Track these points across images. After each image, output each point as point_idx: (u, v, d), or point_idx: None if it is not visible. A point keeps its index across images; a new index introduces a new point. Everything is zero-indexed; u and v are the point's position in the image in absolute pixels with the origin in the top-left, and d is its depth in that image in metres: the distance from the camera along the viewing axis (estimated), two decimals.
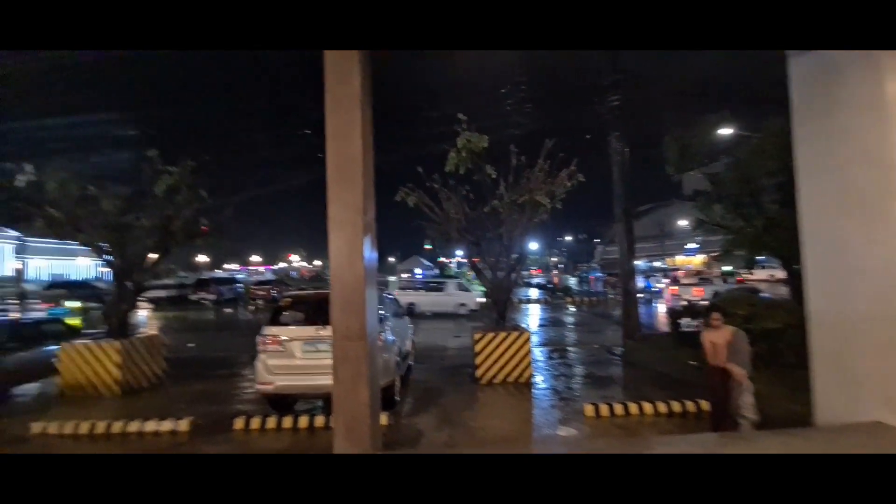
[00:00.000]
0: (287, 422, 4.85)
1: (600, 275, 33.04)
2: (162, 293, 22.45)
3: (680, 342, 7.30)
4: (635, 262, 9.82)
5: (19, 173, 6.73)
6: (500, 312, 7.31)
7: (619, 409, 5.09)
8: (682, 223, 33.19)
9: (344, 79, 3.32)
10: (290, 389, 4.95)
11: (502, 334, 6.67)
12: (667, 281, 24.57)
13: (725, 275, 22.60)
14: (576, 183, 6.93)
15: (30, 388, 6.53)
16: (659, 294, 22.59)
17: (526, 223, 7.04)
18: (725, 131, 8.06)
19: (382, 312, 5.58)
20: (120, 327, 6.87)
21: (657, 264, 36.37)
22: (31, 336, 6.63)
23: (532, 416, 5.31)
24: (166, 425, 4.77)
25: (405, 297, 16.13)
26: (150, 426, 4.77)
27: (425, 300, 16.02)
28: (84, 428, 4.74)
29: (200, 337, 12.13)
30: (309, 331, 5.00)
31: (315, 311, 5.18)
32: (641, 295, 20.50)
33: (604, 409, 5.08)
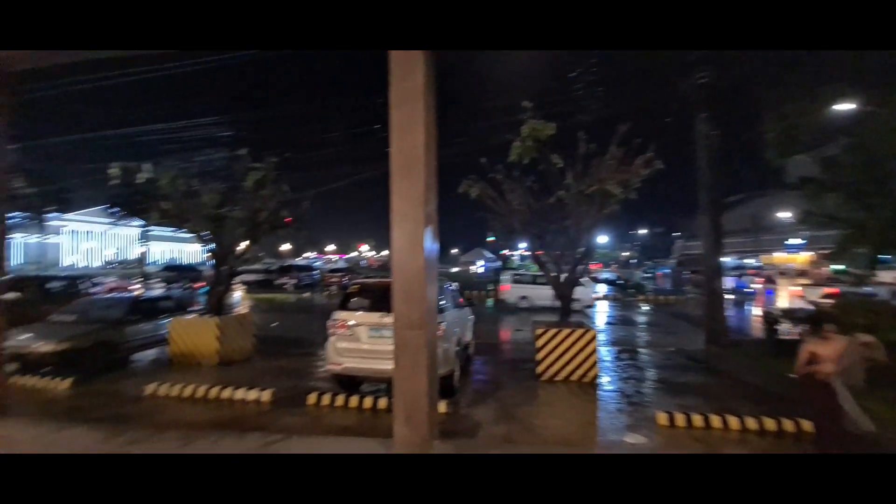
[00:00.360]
0: (353, 401, 5.14)
1: (668, 270, 30.21)
2: (251, 277, 25.13)
3: (777, 351, 6.41)
4: (723, 259, 8.78)
5: (139, 172, 7.84)
6: (563, 308, 7.02)
7: (698, 419, 4.63)
8: (783, 215, 28.99)
9: (407, 74, 3.36)
10: (356, 371, 5.23)
11: (566, 331, 6.40)
12: (762, 280, 21.70)
13: (838, 275, 19.29)
14: (653, 171, 6.35)
15: (146, 354, 7.70)
16: (753, 295, 19.98)
17: (595, 215, 6.64)
18: (843, 107, 6.74)
19: (443, 303, 5.65)
20: (218, 306, 7.81)
21: (750, 261, 32.24)
22: (149, 310, 7.79)
23: (596, 418, 5.04)
24: (252, 395, 5.33)
25: (517, 290, 16.32)
26: (239, 394, 5.36)
27: (537, 293, 15.49)
28: (187, 391, 5.48)
29: (282, 318, 13.35)
30: (374, 317, 5.23)
31: (380, 299, 5.37)
32: (732, 296, 18.38)
33: (679, 419, 4.65)
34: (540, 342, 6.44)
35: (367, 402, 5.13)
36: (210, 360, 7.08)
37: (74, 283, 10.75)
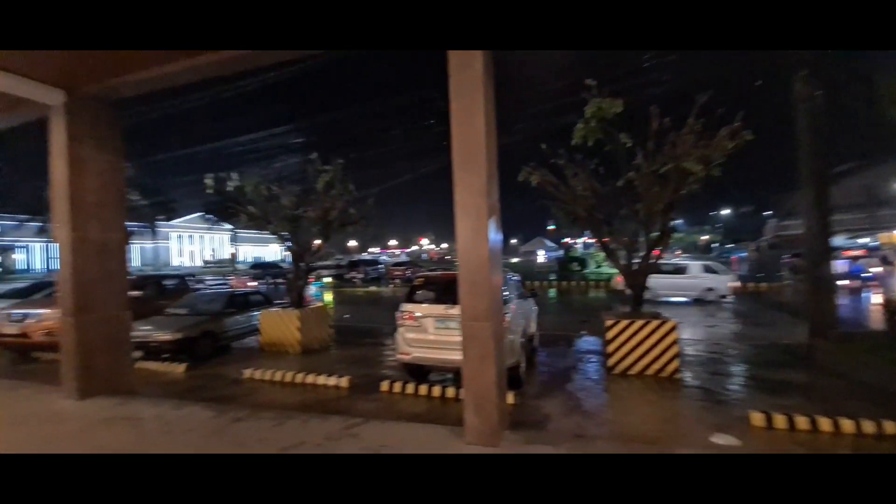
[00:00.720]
0: (423, 389, 5.31)
1: (745, 255, 26.64)
2: (325, 272, 26.94)
3: None
4: (833, 239, 7.53)
5: (229, 181, 8.73)
6: (636, 297, 6.57)
7: (802, 421, 4.08)
8: None
9: (466, 65, 3.32)
10: (424, 361, 5.38)
11: (639, 322, 6.00)
12: (875, 261, 18.28)
13: None
14: (741, 143, 5.65)
15: (242, 343, 8.61)
16: (872, 280, 16.82)
17: (670, 196, 6.08)
18: None
19: (507, 294, 5.58)
20: (298, 299, 8.49)
21: (865, 240, 27.43)
22: (243, 304, 8.70)
23: (677, 415, 4.67)
24: (332, 381, 5.74)
25: None
26: (321, 380, 5.80)
27: (662, 284, 13.67)
28: (277, 376, 6.05)
29: (353, 310, 14.16)
30: (439, 309, 5.32)
31: (444, 291, 5.47)
32: (846, 282, 15.81)
33: (779, 420, 4.14)
34: (610, 334, 6.11)
35: (436, 390, 5.26)
36: (294, 348, 7.75)
37: (184, 281, 12.30)
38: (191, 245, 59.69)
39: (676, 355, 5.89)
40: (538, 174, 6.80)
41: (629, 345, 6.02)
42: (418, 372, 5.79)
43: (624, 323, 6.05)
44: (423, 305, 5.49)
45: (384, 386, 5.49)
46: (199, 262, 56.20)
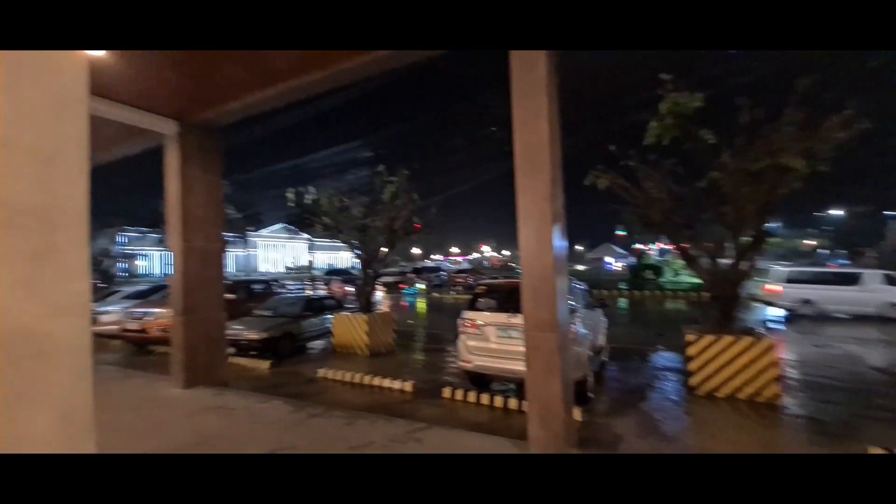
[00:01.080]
0: (485, 398, 5.24)
1: (847, 262, 22.21)
2: (390, 279, 28.05)
3: None
4: None
5: (306, 194, 9.51)
6: (723, 310, 5.88)
7: None
8: None
9: (529, 67, 3.27)
10: (486, 370, 5.30)
11: (727, 339, 5.35)
12: None
13: None
14: (854, 133, 4.85)
15: (317, 344, 9.23)
16: None
17: (765, 196, 5.39)
18: None
19: (573, 303, 5.33)
20: (366, 304, 8.92)
21: None
22: (318, 307, 9.36)
23: (775, 445, 4.06)
24: (397, 384, 5.90)
25: (796, 292, 12.07)
26: (387, 383, 6.00)
27: (828, 296, 11.76)
28: (347, 377, 6.38)
29: (417, 315, 14.48)
30: (501, 318, 5.23)
31: (506, 299, 5.37)
32: None
33: None
34: (693, 350, 5.53)
35: (498, 400, 5.16)
36: (362, 350, 8.12)
37: (269, 286, 13.58)
38: (275, 253, 65.85)
39: (776, 378, 5.14)
40: (607, 177, 6.44)
41: (716, 363, 5.40)
42: (480, 380, 5.73)
43: (709, 339, 5.45)
44: (486, 314, 5.44)
45: (446, 392, 5.52)
46: (281, 269, 61.72)
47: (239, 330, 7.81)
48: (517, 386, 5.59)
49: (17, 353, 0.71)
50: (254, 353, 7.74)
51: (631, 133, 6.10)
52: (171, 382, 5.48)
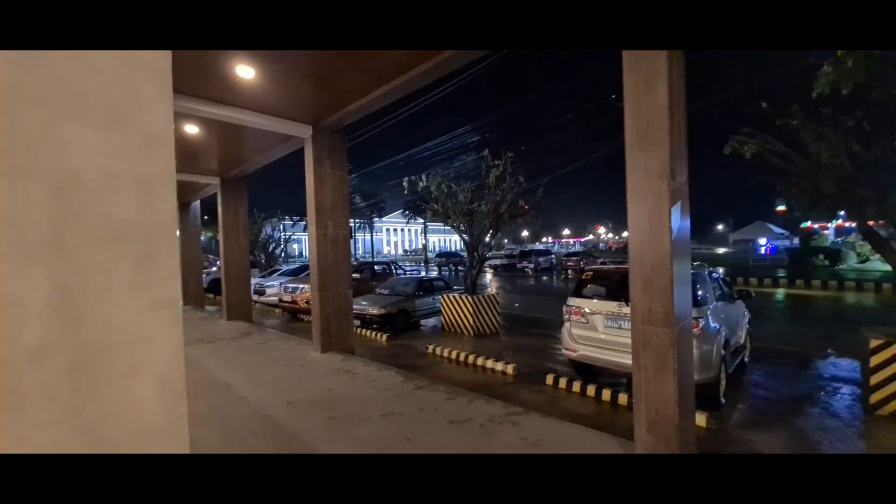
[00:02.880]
0: (591, 390, 4.92)
1: None
2: (497, 262, 28.20)
3: None
4: None
5: (420, 182, 10.02)
6: None
7: None
8: None
9: None
10: (592, 360, 4.96)
11: None
12: None
13: None
14: None
15: (428, 322, 9.86)
16: None
17: None
18: None
19: (701, 293, 4.58)
20: (472, 286, 9.15)
21: None
22: (429, 288, 9.97)
23: None
24: (499, 366, 5.96)
25: None
26: (490, 364, 6.10)
27: None
28: (453, 354, 6.69)
29: (523, 299, 14.29)
30: (611, 306, 4.81)
31: (617, 286, 4.93)
32: None
33: None
34: (877, 359, 4.24)
35: (606, 393, 4.79)
36: (467, 330, 8.40)
37: (390, 267, 14.99)
38: (395, 237, 72.04)
39: None
40: (755, 142, 5.25)
41: None
42: (586, 370, 5.40)
43: None
44: (593, 301, 5.07)
45: (549, 379, 5.35)
46: (400, 252, 67.28)
47: (363, 305, 8.81)
48: (628, 380, 5.11)
49: (129, 337, 0.93)
50: (375, 326, 8.67)
51: (790, 84, 4.82)
52: (312, 346, 6.52)
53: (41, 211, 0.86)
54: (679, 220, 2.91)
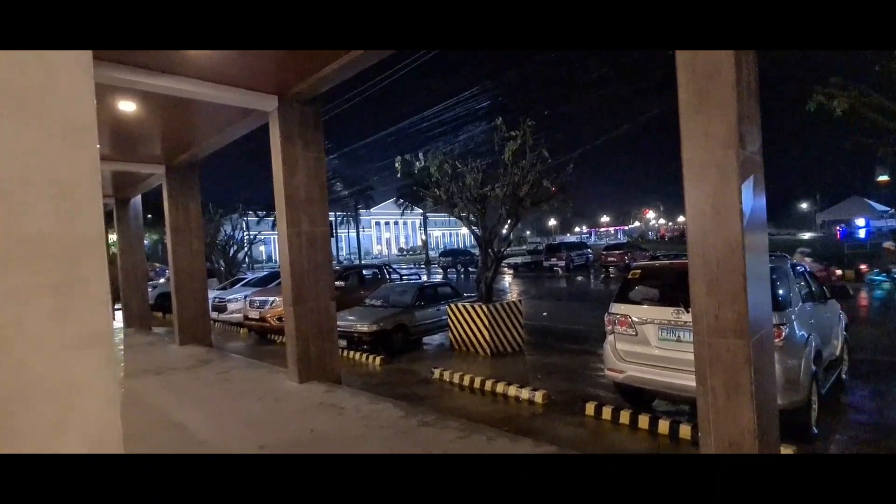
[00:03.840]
0: (643, 420, 4.89)
1: None
2: (518, 260, 28.21)
3: None
4: None
5: (416, 161, 10.00)
6: None
7: None
8: None
9: None
10: (644, 383, 4.93)
11: None
12: None
13: None
14: None
15: (433, 339, 9.87)
16: None
17: None
18: None
19: (782, 293, 4.53)
20: (487, 292, 9.15)
21: None
22: (432, 297, 9.98)
23: None
24: (525, 393, 5.94)
25: None
26: (512, 391, 6.09)
27: None
28: (465, 380, 6.69)
29: (552, 306, 14.27)
30: (666, 313, 4.78)
31: (674, 287, 4.88)
32: None
33: None
34: None
35: (663, 425, 4.76)
36: (482, 348, 8.40)
37: (382, 270, 15.05)
38: (387, 232, 72.31)
39: None
40: (847, 95, 5.17)
41: None
42: (637, 396, 5.37)
43: None
44: (643, 307, 5.04)
45: (589, 408, 5.33)
46: (394, 251, 67.53)
47: (350, 321, 8.85)
48: (692, 407, 5.07)
49: (50, 383, 0.93)
50: (365, 346, 8.70)
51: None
52: (287, 375, 6.55)
53: None
54: (752, 200, 2.87)
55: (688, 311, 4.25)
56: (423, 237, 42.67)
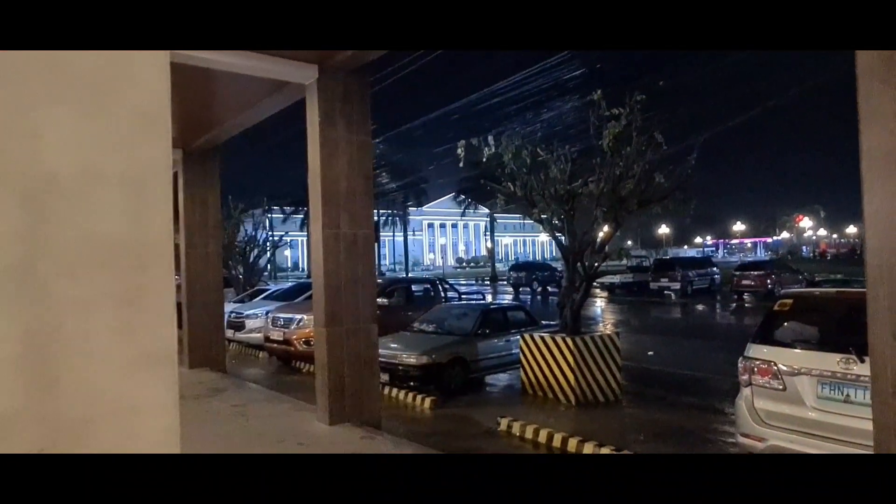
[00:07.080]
0: None
1: None
2: (616, 279, 27.54)
3: None
4: None
5: (485, 147, 9.97)
6: None
7: None
8: None
9: None
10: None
11: None
12: None
13: None
14: None
15: (499, 378, 9.86)
16: None
17: None
18: None
19: None
20: (573, 320, 9.01)
21: None
22: (500, 323, 9.99)
23: None
24: None
25: None
26: (605, 454, 5.95)
27: None
28: (542, 436, 6.62)
29: (662, 342, 13.83)
30: (829, 361, 4.53)
31: (842, 325, 4.77)
32: None
33: None
34: None
35: None
36: (564, 394, 8.27)
37: (435, 286, 15.29)
38: (442, 238, 73.20)
39: None
40: None
41: None
42: None
43: None
44: (796, 352, 4.85)
45: None
46: (451, 262, 68.19)
47: (393, 350, 9.06)
48: None
49: (114, 406, 1.02)
50: (412, 383, 8.84)
51: None
52: (315, 414, 6.78)
53: (11, 226, 0.96)
54: None
55: (863, 361, 4.01)
56: (489, 245, 42.77)
